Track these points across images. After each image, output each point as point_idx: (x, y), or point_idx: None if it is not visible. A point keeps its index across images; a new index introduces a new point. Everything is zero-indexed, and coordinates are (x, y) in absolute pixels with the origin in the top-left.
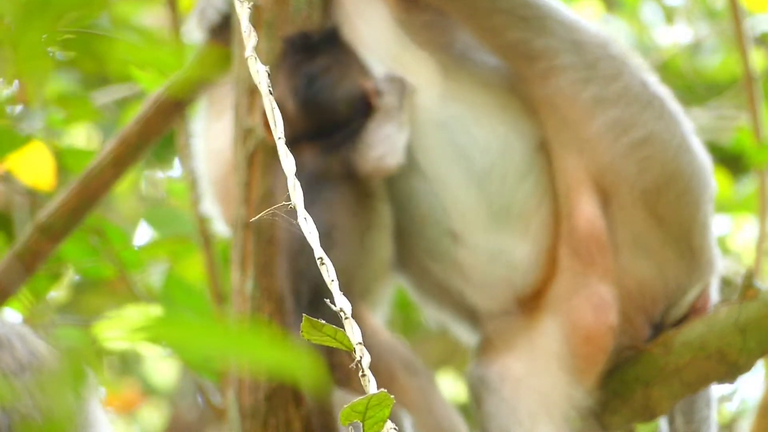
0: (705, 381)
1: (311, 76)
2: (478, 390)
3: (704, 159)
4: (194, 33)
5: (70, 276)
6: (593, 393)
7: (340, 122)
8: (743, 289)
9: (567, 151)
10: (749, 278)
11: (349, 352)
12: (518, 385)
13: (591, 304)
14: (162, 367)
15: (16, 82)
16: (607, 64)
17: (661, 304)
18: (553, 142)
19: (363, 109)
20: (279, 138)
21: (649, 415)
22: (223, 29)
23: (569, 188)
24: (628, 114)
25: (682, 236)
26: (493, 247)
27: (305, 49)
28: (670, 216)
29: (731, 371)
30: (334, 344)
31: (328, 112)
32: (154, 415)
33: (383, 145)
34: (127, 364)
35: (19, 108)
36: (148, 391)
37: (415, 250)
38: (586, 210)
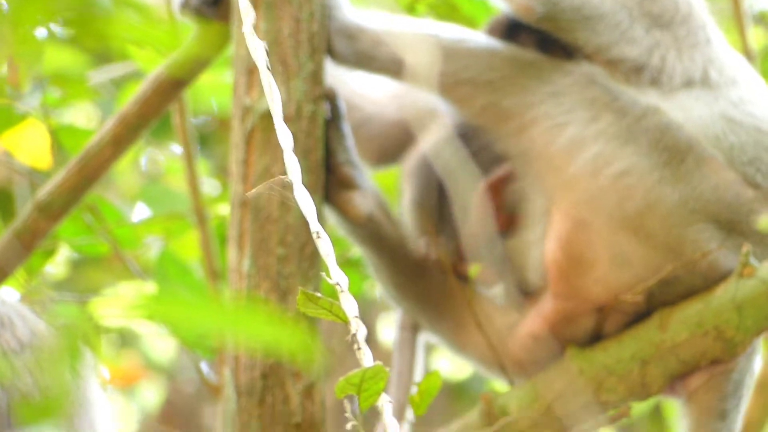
0: (702, 358)
1: None
2: None
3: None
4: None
5: (66, 253)
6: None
7: None
8: (740, 266)
9: (548, 191)
10: (746, 256)
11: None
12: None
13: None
14: (160, 344)
15: (8, 61)
16: (587, 105)
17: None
18: (534, 186)
19: None
20: (277, 116)
21: (645, 393)
22: (218, 4)
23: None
24: (609, 149)
25: (670, 247)
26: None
27: None
28: (656, 232)
29: (728, 349)
30: (329, 317)
31: None
32: (152, 391)
33: None
34: (127, 339)
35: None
36: (148, 366)
37: None
38: (555, 237)
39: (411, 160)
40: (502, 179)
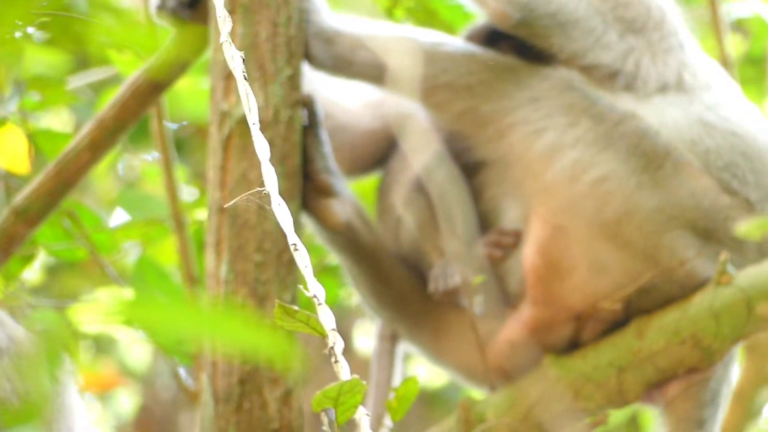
0: (679, 367)
1: None
2: None
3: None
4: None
5: (44, 258)
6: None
7: None
8: (718, 274)
9: (526, 197)
10: (724, 264)
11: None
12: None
13: (513, 321)
14: (136, 350)
15: None
16: (565, 111)
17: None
18: (512, 192)
19: None
20: (254, 123)
21: (623, 401)
22: (195, 6)
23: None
24: (586, 155)
25: (648, 254)
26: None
27: None
28: (634, 239)
29: (705, 357)
30: (307, 330)
31: None
32: (128, 397)
33: None
34: (103, 345)
35: None
36: (124, 372)
37: None
38: (533, 244)
39: (408, 184)
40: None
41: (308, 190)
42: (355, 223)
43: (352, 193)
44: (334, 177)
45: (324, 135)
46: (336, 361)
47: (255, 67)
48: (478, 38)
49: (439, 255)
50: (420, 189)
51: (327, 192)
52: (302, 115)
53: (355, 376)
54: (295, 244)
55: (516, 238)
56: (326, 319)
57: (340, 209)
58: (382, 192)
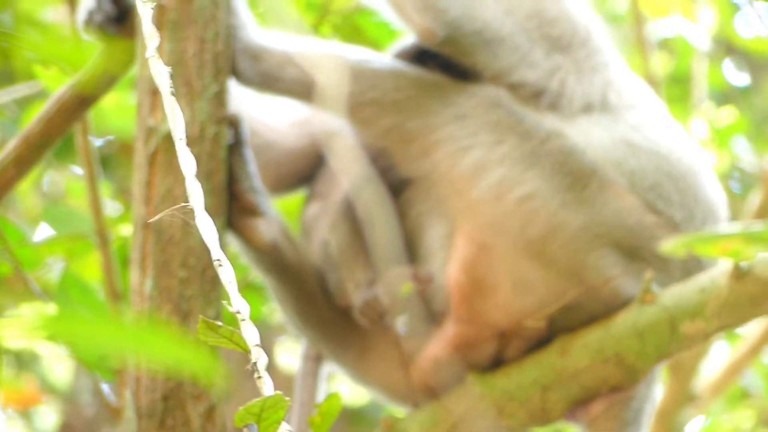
0: (602, 385)
1: None
2: None
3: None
4: (86, 27)
5: None
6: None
7: None
8: (642, 293)
9: (451, 215)
10: (648, 282)
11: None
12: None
13: (438, 338)
14: (58, 366)
15: None
16: (491, 128)
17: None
18: (437, 209)
19: None
20: (180, 139)
21: (546, 419)
22: (122, 21)
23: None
24: (513, 173)
25: (572, 272)
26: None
27: None
28: (559, 258)
29: (629, 375)
30: (230, 346)
31: None
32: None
33: None
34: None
35: None
36: (46, 389)
37: None
38: (458, 262)
39: (334, 206)
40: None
41: (234, 209)
42: (281, 243)
43: (278, 213)
44: (259, 196)
45: (249, 154)
46: (259, 377)
47: (182, 83)
48: (405, 55)
49: (365, 276)
50: (346, 209)
51: (253, 212)
52: (228, 132)
53: (278, 392)
54: (219, 260)
55: (428, 283)
56: (250, 334)
57: (265, 229)
58: (308, 210)
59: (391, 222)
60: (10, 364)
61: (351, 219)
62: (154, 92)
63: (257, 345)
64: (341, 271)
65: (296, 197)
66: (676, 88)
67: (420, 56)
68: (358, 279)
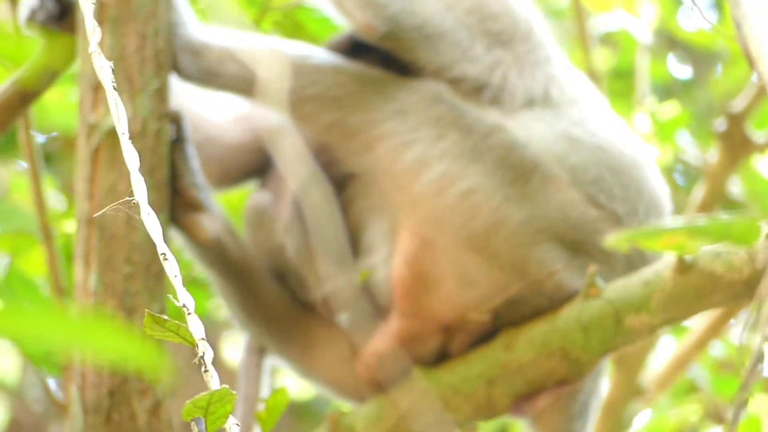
0: (548, 379)
1: None
2: None
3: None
4: (29, 24)
5: None
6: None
7: None
8: (586, 287)
9: (394, 210)
10: (592, 276)
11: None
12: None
13: (382, 332)
14: (5, 362)
15: None
16: (432, 123)
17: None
18: (380, 205)
19: None
20: (123, 133)
21: (492, 413)
22: (64, 18)
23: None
24: (455, 168)
25: (516, 266)
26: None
27: None
28: (502, 252)
29: (574, 369)
30: (176, 340)
31: None
32: None
33: None
34: None
35: None
36: None
37: None
38: (401, 256)
39: (287, 209)
40: None
41: (177, 205)
42: (225, 238)
43: (221, 208)
44: (202, 192)
45: (191, 150)
46: (206, 371)
47: (123, 78)
48: (340, 48)
49: (316, 272)
50: (297, 208)
51: (196, 207)
52: (170, 128)
53: (225, 386)
54: (164, 254)
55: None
56: (196, 328)
57: (209, 224)
58: (254, 199)
59: (337, 218)
60: None
61: (301, 218)
62: (96, 88)
63: (203, 339)
64: (301, 270)
65: (239, 192)
66: (619, 83)
67: (358, 49)
68: (316, 276)
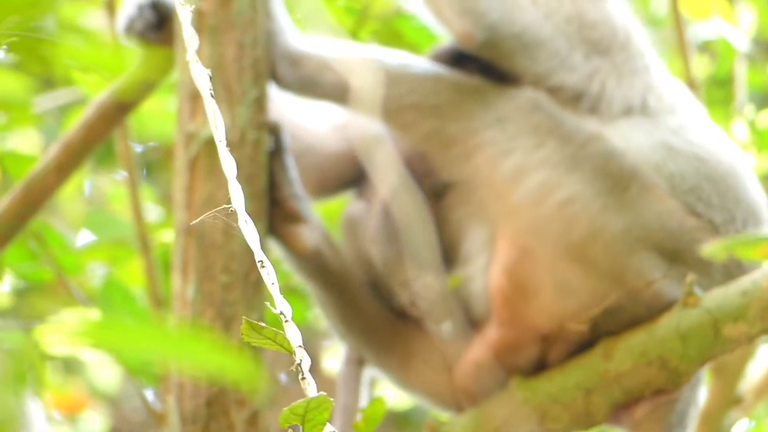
0: (646, 388)
1: None
2: None
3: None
4: (127, 34)
5: (10, 280)
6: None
7: None
8: (684, 296)
9: (492, 219)
10: (690, 285)
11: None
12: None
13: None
14: (105, 372)
15: None
16: (531, 132)
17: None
18: (478, 213)
19: None
20: (221, 142)
21: (590, 422)
22: (162, 29)
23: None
24: (553, 177)
25: (614, 276)
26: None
27: None
28: (600, 261)
29: (672, 378)
30: (273, 347)
31: None
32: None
33: None
34: (71, 367)
35: None
36: (93, 394)
37: None
38: (499, 266)
39: (375, 218)
40: None
41: (276, 216)
42: (323, 248)
43: (320, 219)
44: (301, 203)
45: (290, 161)
46: (303, 378)
47: (221, 88)
48: (443, 58)
49: (405, 284)
50: (386, 218)
51: (295, 218)
52: (269, 139)
53: (322, 393)
54: (261, 261)
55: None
56: (293, 336)
57: (308, 235)
58: (350, 209)
59: (429, 228)
60: (58, 369)
61: (391, 228)
62: (194, 97)
63: (300, 346)
64: (388, 280)
65: (337, 201)
66: (717, 91)
67: (458, 59)
68: (403, 286)
